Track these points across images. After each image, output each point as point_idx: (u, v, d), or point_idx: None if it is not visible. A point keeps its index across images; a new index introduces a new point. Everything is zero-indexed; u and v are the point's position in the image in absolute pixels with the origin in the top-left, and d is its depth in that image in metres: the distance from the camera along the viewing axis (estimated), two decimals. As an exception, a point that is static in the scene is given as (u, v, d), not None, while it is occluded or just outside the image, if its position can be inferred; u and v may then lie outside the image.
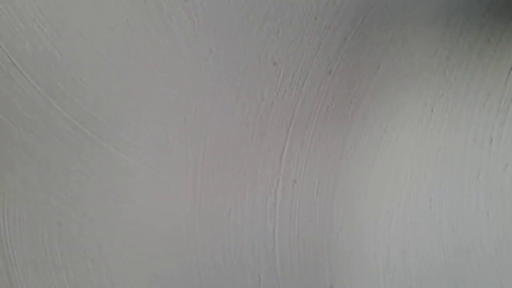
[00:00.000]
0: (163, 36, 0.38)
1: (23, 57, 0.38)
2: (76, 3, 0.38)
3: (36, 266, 0.42)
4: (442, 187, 0.44)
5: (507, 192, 0.44)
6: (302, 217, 0.44)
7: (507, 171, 0.43)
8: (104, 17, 0.38)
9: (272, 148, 0.42)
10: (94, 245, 0.42)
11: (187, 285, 0.44)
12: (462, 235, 0.44)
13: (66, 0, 0.37)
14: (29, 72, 0.38)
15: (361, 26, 0.39)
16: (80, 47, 0.38)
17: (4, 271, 0.42)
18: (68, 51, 0.38)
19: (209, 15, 0.38)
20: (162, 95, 0.40)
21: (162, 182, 0.42)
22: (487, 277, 0.45)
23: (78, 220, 0.42)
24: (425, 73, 0.40)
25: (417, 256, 0.45)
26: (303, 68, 0.40)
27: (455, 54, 0.40)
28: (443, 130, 0.42)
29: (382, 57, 0.40)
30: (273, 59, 0.39)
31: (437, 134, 0.42)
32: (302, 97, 0.41)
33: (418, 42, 0.40)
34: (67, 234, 0.42)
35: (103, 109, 0.40)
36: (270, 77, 0.40)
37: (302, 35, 0.39)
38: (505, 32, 0.40)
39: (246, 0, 0.38)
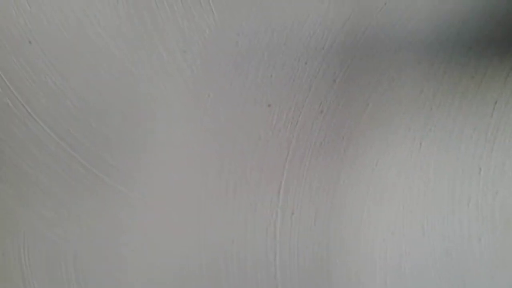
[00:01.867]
0: (165, 83, 0.41)
1: (38, 107, 0.41)
2: (82, 55, 0.41)
3: (55, 295, 0.45)
4: (434, 215, 0.46)
5: (498, 218, 0.45)
6: (301, 246, 0.46)
7: (497, 199, 0.45)
8: (109, 67, 0.41)
9: (270, 183, 0.44)
10: (108, 277, 0.45)
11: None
12: (456, 261, 0.46)
13: (73, 53, 0.41)
14: (44, 121, 0.42)
15: (349, 69, 0.42)
16: (88, 95, 0.42)
17: (26, 301, 0.45)
18: (78, 99, 0.42)
19: (207, 64, 0.41)
20: (166, 137, 0.43)
21: (168, 216, 0.45)
22: (483, 300, 0.47)
23: (92, 252, 0.45)
24: (412, 110, 0.43)
25: (413, 281, 0.47)
26: (296, 108, 0.42)
27: (440, 91, 0.42)
28: (432, 162, 0.44)
29: (370, 96, 0.42)
30: (268, 101, 0.42)
31: (427, 167, 0.44)
32: (296, 135, 0.43)
33: (404, 82, 0.42)
34: (83, 265, 0.46)
35: (112, 151, 0.43)
36: (266, 118, 0.42)
37: (294, 78, 0.42)
38: (488, 68, 0.42)
39: (241, 49, 0.41)
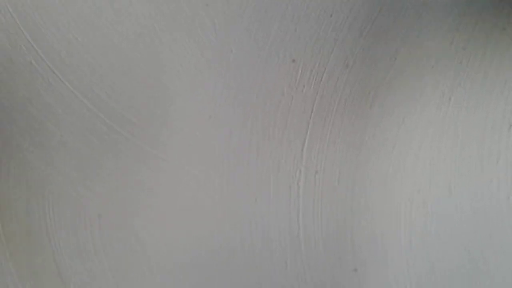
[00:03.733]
0: (187, 40, 0.41)
1: (61, 65, 0.41)
2: (105, 12, 0.40)
3: (80, 254, 0.46)
4: (462, 173, 0.45)
5: (527, 177, 0.44)
6: (325, 205, 0.46)
7: (527, 157, 0.44)
8: (132, 24, 0.40)
9: (294, 141, 0.44)
10: (132, 235, 0.46)
11: (217, 268, 0.47)
12: (484, 221, 0.45)
13: (96, 10, 0.40)
14: (67, 78, 0.42)
15: (376, 21, 0.40)
16: (111, 53, 0.41)
17: (52, 260, 0.46)
18: (101, 57, 0.41)
19: (229, 18, 0.40)
20: (188, 95, 0.42)
21: (191, 175, 0.45)
22: (510, 261, 0.46)
23: (116, 211, 0.46)
24: (442, 63, 0.41)
25: (439, 242, 0.46)
26: (321, 63, 0.41)
27: (471, 44, 0.41)
28: (461, 118, 0.43)
29: (398, 49, 0.41)
30: (292, 56, 0.41)
31: (456, 122, 0.43)
32: (321, 91, 0.42)
33: (434, 33, 0.41)
34: (107, 224, 0.46)
35: (135, 109, 0.43)
36: (289, 73, 0.42)
37: (318, 32, 0.41)
38: (522, 19, 0.40)
39: (264, 1, 0.40)
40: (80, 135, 0.43)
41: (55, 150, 0.44)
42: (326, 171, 0.44)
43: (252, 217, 0.45)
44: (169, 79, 0.42)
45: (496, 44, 0.40)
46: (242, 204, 0.45)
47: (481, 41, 0.40)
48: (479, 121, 0.43)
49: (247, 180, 0.44)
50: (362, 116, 0.43)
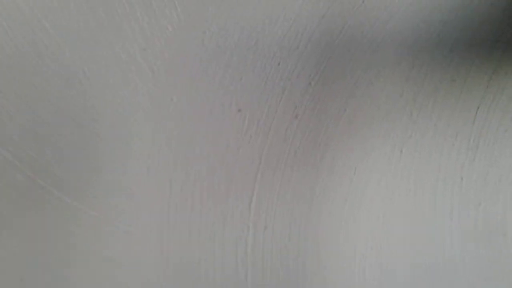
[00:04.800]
0: (122, 87, 0.37)
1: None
2: (27, 55, 0.36)
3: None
4: (417, 228, 0.43)
5: (480, 231, 0.43)
6: (275, 263, 0.42)
7: (479, 210, 0.42)
8: (58, 68, 0.36)
9: (240, 196, 0.40)
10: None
11: None
12: (439, 276, 0.43)
13: (17, 53, 0.36)
14: (-18, 127, 0.36)
15: (325, 71, 0.38)
16: (34, 99, 0.37)
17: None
18: (22, 104, 0.37)
19: (169, 64, 0.37)
20: (124, 145, 0.38)
21: (127, 234, 0.40)
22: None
23: (40, 275, 0.40)
24: (392, 115, 0.40)
25: (394, 299, 0.44)
26: (269, 113, 0.39)
27: (421, 95, 0.40)
28: (413, 171, 0.41)
29: (348, 100, 0.39)
30: (238, 106, 0.38)
31: (408, 175, 0.41)
32: (269, 142, 0.39)
33: (383, 85, 0.39)
34: (29, 290, 0.40)
35: (62, 162, 0.38)
36: (235, 124, 0.39)
37: (265, 81, 0.38)
38: (470, 71, 0.39)
39: (207, 48, 0.37)
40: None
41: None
42: (275, 227, 0.41)
43: (196, 279, 0.41)
44: (102, 129, 0.37)
45: (446, 95, 0.40)
46: (184, 265, 0.40)
47: (431, 92, 0.39)
48: (431, 174, 0.41)
49: (189, 239, 0.40)
50: (313, 168, 0.40)
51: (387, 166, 0.41)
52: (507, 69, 0.40)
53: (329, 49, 0.38)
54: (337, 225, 0.42)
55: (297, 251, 0.42)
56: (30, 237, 0.40)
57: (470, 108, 0.40)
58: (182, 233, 0.41)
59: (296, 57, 0.38)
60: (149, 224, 0.40)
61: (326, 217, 0.42)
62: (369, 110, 0.40)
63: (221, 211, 0.41)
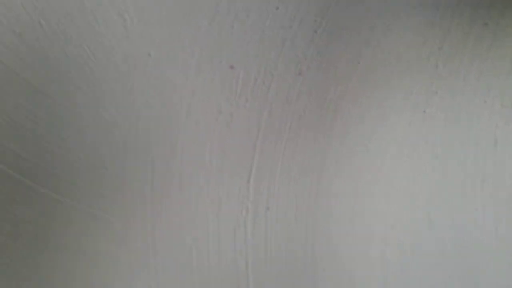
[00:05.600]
0: (93, 46, 0.30)
1: None
2: None
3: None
4: (443, 203, 0.37)
5: (517, 202, 0.37)
6: (280, 250, 0.36)
7: (516, 178, 0.36)
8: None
9: (237, 171, 0.34)
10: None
11: None
12: (468, 255, 0.37)
13: None
14: None
15: (333, 15, 0.32)
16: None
17: None
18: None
19: (143, 11, 0.30)
20: (97, 115, 0.31)
21: (115, 223, 0.33)
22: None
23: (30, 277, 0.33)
24: (413, 67, 0.34)
25: (418, 283, 0.37)
26: (267, 70, 0.32)
27: (447, 43, 0.33)
28: (440, 134, 0.35)
29: (361, 51, 0.33)
30: (229, 61, 0.32)
31: (433, 140, 0.35)
32: (268, 105, 0.33)
33: (403, 31, 0.33)
34: None
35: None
36: (227, 84, 0.32)
37: (262, 29, 0.31)
38: (504, 13, 0.33)
39: None
40: None
41: None
42: (279, 207, 0.35)
43: (188, 270, 0.34)
44: (66, 92, 0.30)
45: (477, 42, 0.33)
46: (174, 255, 0.34)
47: (459, 39, 0.33)
48: (460, 138, 0.35)
49: (178, 225, 0.33)
50: (321, 135, 0.34)
51: (409, 131, 0.35)
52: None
53: (337, -11, 0.32)
54: (351, 203, 0.36)
55: (305, 235, 0.36)
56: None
57: (505, 56, 0.34)
58: (170, 218, 0.34)
59: None
60: (137, 210, 0.33)
61: (338, 194, 0.35)
62: (387, 62, 0.33)
63: (214, 191, 0.34)
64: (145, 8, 0.30)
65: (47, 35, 0.30)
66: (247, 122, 0.34)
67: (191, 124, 0.33)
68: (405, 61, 0.33)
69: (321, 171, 0.35)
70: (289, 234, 0.36)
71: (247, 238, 0.36)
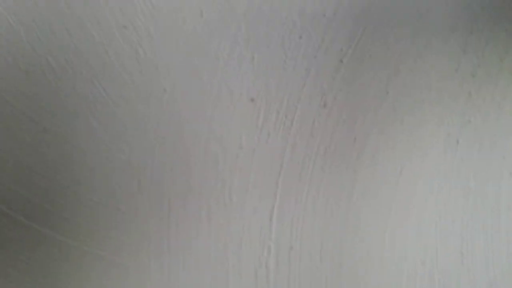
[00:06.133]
0: (104, 82, 0.28)
1: None
2: None
3: None
4: (476, 235, 0.34)
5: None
6: (304, 291, 0.34)
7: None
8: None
9: (259, 208, 0.32)
10: None
11: None
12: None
13: None
14: None
15: (360, 43, 0.30)
16: None
17: None
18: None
19: (157, 43, 0.28)
20: (109, 154, 0.29)
21: (120, 267, 0.31)
22: None
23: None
24: (445, 96, 0.31)
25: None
26: (290, 102, 0.30)
27: (481, 69, 0.31)
28: (473, 164, 0.33)
29: (389, 80, 0.31)
30: (250, 94, 0.29)
31: (466, 172, 0.33)
32: (292, 139, 0.31)
33: (434, 57, 0.31)
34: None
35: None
36: (248, 117, 0.30)
37: (284, 59, 0.29)
38: (541, 36, 0.31)
39: (207, 19, 0.28)
40: None
41: None
42: (303, 246, 0.33)
43: (207, 316, 0.32)
44: (83, 137, 0.28)
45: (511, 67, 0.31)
46: (190, 301, 0.32)
47: (493, 64, 0.31)
48: (495, 166, 0.33)
49: (196, 266, 0.31)
50: (348, 169, 0.32)
51: (441, 162, 0.33)
52: None
53: (364, 15, 0.29)
54: (380, 240, 0.34)
55: (330, 275, 0.33)
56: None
57: (542, 82, 0.32)
58: (187, 258, 0.32)
59: (322, 27, 0.29)
60: (145, 252, 0.31)
61: (366, 231, 0.33)
62: (417, 91, 0.31)
63: (235, 229, 0.32)
64: (160, 39, 0.28)
65: (55, 72, 0.28)
66: (269, 158, 0.32)
67: (209, 160, 0.31)
68: (436, 89, 0.31)
69: (348, 208, 0.33)
70: (314, 275, 0.34)
71: (269, 279, 0.34)
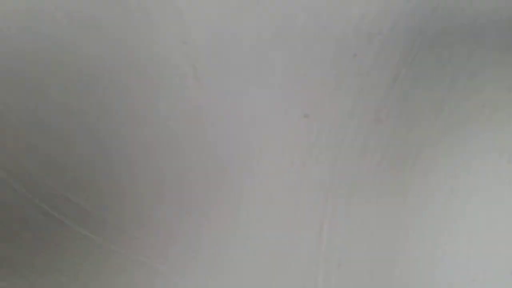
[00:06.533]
0: (152, 95, 0.29)
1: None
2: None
3: None
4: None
5: None
6: (352, 309, 0.33)
7: None
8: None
9: (307, 224, 0.32)
10: None
11: None
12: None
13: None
14: None
15: (414, 62, 0.30)
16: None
17: None
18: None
19: (214, 61, 0.29)
20: (156, 171, 0.30)
21: (157, 273, 0.31)
22: None
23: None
24: (500, 114, 0.31)
25: None
26: (343, 118, 0.30)
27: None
28: (530, 185, 0.32)
29: (444, 98, 0.31)
30: (304, 110, 0.30)
31: (523, 192, 0.32)
32: (343, 155, 0.31)
33: (490, 75, 0.30)
34: None
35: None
36: (301, 134, 0.30)
37: (338, 77, 0.30)
38: None
39: (262, 37, 0.29)
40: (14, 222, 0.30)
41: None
42: (353, 263, 0.32)
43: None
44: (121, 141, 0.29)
45: None
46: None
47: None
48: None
49: (239, 278, 0.31)
50: (400, 187, 0.31)
51: (495, 182, 0.32)
52: None
53: (420, 33, 0.30)
54: (432, 259, 0.33)
55: (381, 293, 0.33)
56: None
57: None
58: (230, 273, 0.32)
59: (377, 46, 0.30)
60: (181, 261, 0.31)
61: (418, 250, 0.33)
62: (472, 109, 0.31)
63: (284, 244, 0.32)
64: (216, 57, 0.29)
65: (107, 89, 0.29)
66: (320, 173, 0.32)
67: (260, 175, 0.31)
68: (491, 107, 0.31)
69: (399, 224, 0.33)
70: (364, 293, 0.34)
71: (317, 295, 0.34)
